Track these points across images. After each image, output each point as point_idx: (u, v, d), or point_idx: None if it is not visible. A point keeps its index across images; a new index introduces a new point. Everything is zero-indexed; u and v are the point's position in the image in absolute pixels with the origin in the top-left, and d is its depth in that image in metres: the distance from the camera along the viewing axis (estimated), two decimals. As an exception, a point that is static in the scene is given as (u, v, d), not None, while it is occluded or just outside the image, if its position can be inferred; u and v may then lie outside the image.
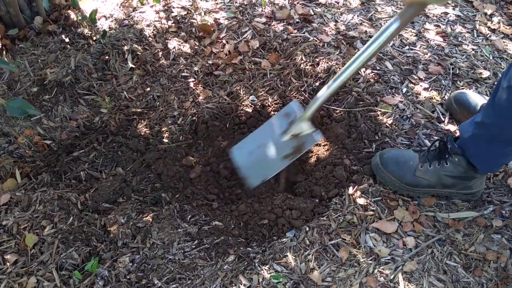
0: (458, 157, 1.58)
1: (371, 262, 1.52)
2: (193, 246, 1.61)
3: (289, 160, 1.78)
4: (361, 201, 1.67)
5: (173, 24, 2.38)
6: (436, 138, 1.85)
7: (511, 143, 1.45)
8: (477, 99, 1.85)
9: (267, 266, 1.53)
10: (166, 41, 2.30)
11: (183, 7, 2.46)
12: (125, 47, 2.23)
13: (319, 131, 1.79)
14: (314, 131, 1.76)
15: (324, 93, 1.59)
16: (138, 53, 2.22)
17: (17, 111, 1.42)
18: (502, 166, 1.73)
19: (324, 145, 1.93)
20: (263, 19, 2.39)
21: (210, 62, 2.22)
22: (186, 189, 1.81)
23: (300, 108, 1.81)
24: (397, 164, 1.67)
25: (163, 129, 1.98)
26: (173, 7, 2.46)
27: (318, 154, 1.91)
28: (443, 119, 1.93)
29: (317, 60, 2.15)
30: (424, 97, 2.01)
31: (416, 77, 2.09)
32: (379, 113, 1.94)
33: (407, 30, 2.32)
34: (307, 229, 1.62)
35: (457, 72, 2.13)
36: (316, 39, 2.24)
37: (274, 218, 1.68)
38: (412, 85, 2.06)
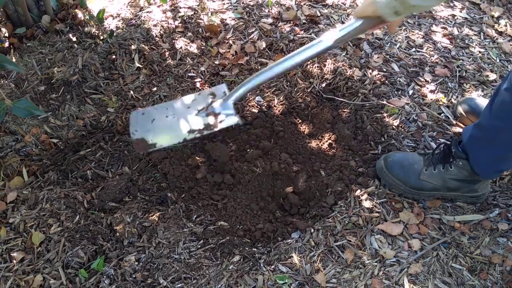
0: (463, 161, 1.57)
1: (376, 264, 1.52)
2: (199, 246, 1.61)
3: (196, 134, 1.65)
4: (366, 203, 1.67)
5: (180, 24, 2.38)
6: (441, 141, 1.85)
7: (508, 149, 1.44)
8: (486, 104, 1.84)
9: (272, 266, 1.53)
10: (173, 41, 2.31)
11: (190, 7, 2.47)
12: (132, 47, 2.23)
13: (239, 116, 1.71)
14: (235, 114, 1.64)
15: (252, 79, 1.54)
16: (145, 52, 2.23)
17: (23, 112, 1.43)
18: (501, 173, 1.70)
19: (331, 146, 1.92)
20: (270, 20, 2.39)
21: (216, 62, 2.23)
22: (192, 189, 1.82)
23: (227, 91, 1.73)
24: (401, 167, 1.67)
25: (169, 129, 1.98)
26: (180, 7, 2.46)
27: (324, 156, 1.91)
28: (449, 121, 1.93)
29: (323, 61, 2.15)
30: (431, 99, 2.01)
31: (422, 79, 2.09)
32: (385, 115, 1.94)
33: (413, 31, 2.32)
34: (312, 230, 1.63)
35: (464, 74, 2.13)
36: (322, 40, 2.24)
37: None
38: (419, 87, 2.06)
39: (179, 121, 1.70)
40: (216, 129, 1.63)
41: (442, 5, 2.52)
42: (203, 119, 1.67)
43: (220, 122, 1.64)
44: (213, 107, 1.68)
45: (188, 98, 1.76)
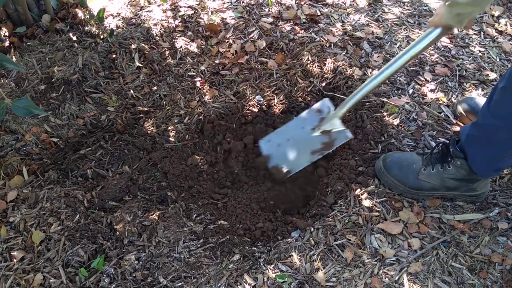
0: (461, 161, 1.57)
1: (376, 263, 1.52)
2: (199, 245, 1.61)
3: (318, 155, 1.82)
4: (366, 202, 1.67)
5: (180, 23, 2.38)
6: (441, 140, 1.85)
7: (505, 146, 1.44)
8: None
9: (272, 265, 1.53)
10: (173, 40, 2.31)
11: (190, 7, 2.47)
12: (132, 46, 2.24)
13: (349, 130, 1.82)
14: (345, 129, 1.80)
15: (357, 93, 1.66)
16: (145, 52, 2.23)
17: (23, 111, 1.43)
18: (499, 171, 1.70)
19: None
20: (270, 19, 2.39)
21: (216, 61, 2.23)
22: (192, 188, 1.82)
23: (332, 106, 1.85)
24: (400, 168, 1.67)
25: (169, 128, 1.98)
26: (180, 6, 2.46)
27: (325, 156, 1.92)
28: (449, 120, 1.93)
29: (323, 60, 2.15)
30: (431, 98, 2.01)
31: (422, 79, 2.09)
32: (385, 114, 1.94)
33: (413, 31, 2.32)
34: (312, 229, 1.63)
35: (464, 73, 2.13)
36: (322, 40, 2.24)
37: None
38: (419, 86, 2.06)
39: (301, 144, 1.86)
40: (333, 148, 1.80)
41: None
42: (319, 138, 1.83)
43: (335, 139, 1.80)
44: (323, 125, 1.82)
45: (300, 119, 1.91)
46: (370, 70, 2.09)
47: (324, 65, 2.14)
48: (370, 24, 2.35)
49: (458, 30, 2.35)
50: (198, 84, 2.14)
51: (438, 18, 1.38)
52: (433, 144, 1.84)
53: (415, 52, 1.49)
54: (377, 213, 1.64)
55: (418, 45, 1.47)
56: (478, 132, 1.48)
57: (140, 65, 2.20)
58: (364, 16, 2.40)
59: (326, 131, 1.81)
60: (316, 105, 1.90)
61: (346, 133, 1.79)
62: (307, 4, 2.47)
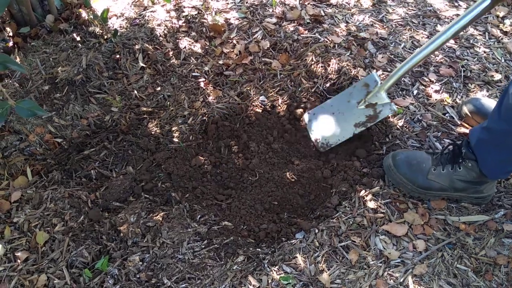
0: (472, 162, 1.56)
1: (380, 264, 1.52)
2: (203, 246, 1.61)
3: (361, 128, 1.84)
4: (371, 203, 1.67)
5: (184, 24, 2.38)
6: (447, 140, 1.84)
7: None
8: (491, 104, 1.83)
9: (277, 267, 1.53)
10: (177, 40, 2.31)
11: (194, 7, 2.46)
12: (136, 46, 2.23)
13: (393, 103, 1.83)
14: (390, 102, 1.80)
15: (403, 66, 1.65)
16: (149, 52, 2.23)
17: (26, 112, 1.42)
18: (509, 173, 1.69)
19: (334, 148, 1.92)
20: (274, 20, 2.38)
21: (220, 62, 2.23)
22: (196, 188, 1.81)
23: (378, 79, 1.85)
24: (409, 166, 1.66)
25: (173, 129, 1.98)
26: (184, 7, 2.46)
27: (327, 156, 1.91)
28: (454, 121, 1.92)
29: (327, 61, 2.14)
30: (435, 99, 2.00)
31: (427, 79, 2.08)
32: (389, 115, 1.93)
33: (418, 31, 2.31)
34: (317, 230, 1.62)
35: (469, 74, 2.12)
36: (326, 40, 2.24)
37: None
38: (423, 87, 2.06)
39: (345, 117, 1.89)
40: (377, 120, 1.82)
41: (446, 4, 2.51)
42: (364, 111, 1.85)
43: (379, 112, 1.81)
44: (369, 98, 1.84)
45: (346, 92, 1.93)
46: (375, 70, 2.09)
47: (328, 65, 2.13)
48: (374, 25, 2.35)
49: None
50: (202, 84, 2.14)
51: None
52: (438, 145, 1.83)
53: (466, 21, 1.47)
54: (381, 215, 1.63)
55: (469, 15, 1.45)
56: (488, 136, 1.48)
57: (144, 65, 2.20)
58: (369, 17, 2.39)
59: (371, 104, 1.83)
60: (363, 79, 1.91)
61: (391, 106, 1.79)
62: (311, 5, 2.46)
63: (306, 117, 1.99)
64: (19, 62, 2.11)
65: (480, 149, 1.52)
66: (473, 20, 1.46)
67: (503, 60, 2.21)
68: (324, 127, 1.92)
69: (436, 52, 2.21)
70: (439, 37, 1.54)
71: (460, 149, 1.60)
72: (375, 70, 1.95)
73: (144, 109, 2.05)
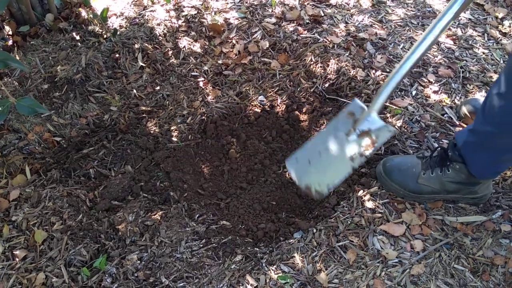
0: (459, 165, 1.56)
1: (378, 264, 1.52)
2: (201, 245, 1.61)
3: (360, 159, 1.53)
4: (369, 203, 1.67)
5: (184, 23, 2.38)
6: (446, 141, 1.84)
7: (503, 151, 1.43)
8: None
9: (274, 266, 1.53)
10: (176, 40, 2.31)
11: (193, 7, 2.47)
12: (136, 46, 2.24)
13: (390, 125, 1.60)
14: (386, 124, 1.50)
15: (388, 85, 1.41)
16: (148, 51, 2.23)
17: (27, 109, 1.43)
18: (499, 173, 1.69)
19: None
20: (273, 20, 2.39)
21: (220, 61, 2.23)
22: (194, 188, 1.82)
23: (363, 105, 1.57)
24: (400, 172, 1.66)
25: (172, 128, 1.98)
26: (184, 6, 2.46)
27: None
28: (452, 122, 1.93)
29: (327, 61, 2.15)
30: (434, 100, 2.00)
31: (426, 80, 2.09)
32: (388, 115, 1.94)
33: (417, 32, 2.31)
34: (315, 230, 1.63)
35: (467, 75, 2.12)
36: (326, 40, 2.24)
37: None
38: (422, 87, 2.06)
39: (336, 153, 1.57)
40: (376, 147, 1.50)
41: (446, 5, 2.51)
42: (357, 142, 1.53)
43: (376, 138, 1.50)
44: (359, 126, 1.53)
45: (330, 127, 1.63)
46: (373, 71, 2.09)
47: (327, 66, 2.14)
48: (373, 25, 2.35)
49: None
50: (201, 84, 2.14)
51: None
52: (436, 145, 1.83)
53: (447, 19, 1.27)
54: (379, 215, 1.64)
55: (449, 11, 1.26)
56: (474, 138, 1.48)
57: (143, 64, 2.20)
58: (368, 17, 2.40)
59: (364, 132, 1.52)
60: (346, 109, 1.63)
61: (389, 128, 1.48)
62: (310, 5, 2.46)
63: (287, 164, 1.67)
64: (18, 61, 2.11)
65: (468, 151, 1.52)
66: (455, 17, 1.27)
67: (502, 61, 2.21)
68: (313, 171, 1.60)
69: (436, 53, 2.21)
70: (427, 37, 1.32)
71: (447, 152, 1.60)
72: (356, 97, 1.72)
73: (143, 108, 2.05)
